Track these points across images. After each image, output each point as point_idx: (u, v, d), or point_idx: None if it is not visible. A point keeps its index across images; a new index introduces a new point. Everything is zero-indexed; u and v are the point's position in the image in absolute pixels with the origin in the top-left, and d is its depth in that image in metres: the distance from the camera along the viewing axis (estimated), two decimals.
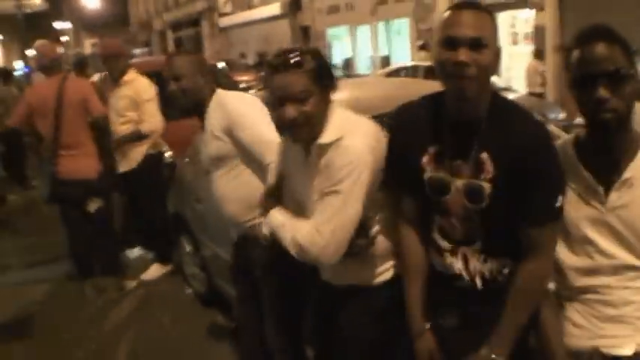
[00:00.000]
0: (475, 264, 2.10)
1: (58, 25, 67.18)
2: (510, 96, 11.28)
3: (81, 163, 5.29)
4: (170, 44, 41.98)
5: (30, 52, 71.30)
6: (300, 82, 2.14)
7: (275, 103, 2.22)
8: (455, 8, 1.96)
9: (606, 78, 1.83)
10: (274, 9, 26.97)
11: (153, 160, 5.74)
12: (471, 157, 1.99)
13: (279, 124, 2.34)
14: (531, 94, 13.02)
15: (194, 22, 37.00)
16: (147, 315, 5.18)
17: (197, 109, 3.07)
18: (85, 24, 56.50)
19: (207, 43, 34.06)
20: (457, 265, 2.13)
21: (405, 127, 2.17)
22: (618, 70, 1.83)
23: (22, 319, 5.30)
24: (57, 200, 5.42)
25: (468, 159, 2.00)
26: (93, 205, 5.29)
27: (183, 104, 3.07)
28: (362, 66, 23.24)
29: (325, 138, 2.19)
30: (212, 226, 3.73)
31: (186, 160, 5.05)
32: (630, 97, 1.87)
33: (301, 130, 2.20)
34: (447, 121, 2.04)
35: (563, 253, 2.03)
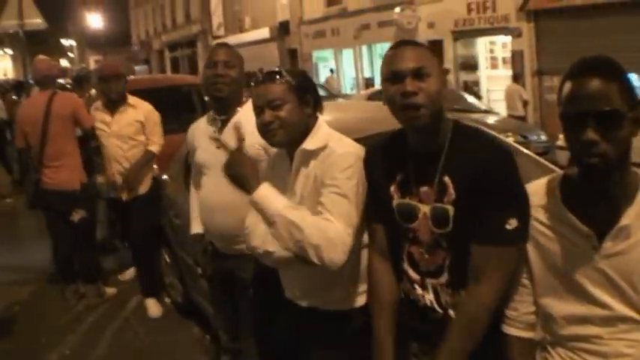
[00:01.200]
0: (446, 297, 2.01)
1: (64, 42, 67.65)
2: (492, 118, 11.54)
3: (65, 174, 5.26)
4: (167, 63, 42.34)
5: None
6: (276, 91, 2.25)
7: (256, 110, 2.31)
8: (394, 47, 2.00)
9: (597, 118, 1.56)
10: (264, 32, 26.98)
11: (157, 183, 5.28)
12: (435, 182, 1.95)
13: (259, 129, 2.34)
14: (511, 116, 12.76)
15: (190, 43, 37.27)
16: (124, 322, 5.11)
17: (227, 103, 3.01)
18: (89, 42, 56.58)
19: (201, 62, 33.83)
20: (428, 297, 2.04)
21: (375, 159, 2.17)
22: (612, 111, 1.55)
23: (0, 320, 5.34)
24: (39, 207, 5.49)
25: (432, 184, 1.96)
26: (76, 216, 5.27)
27: (223, 94, 2.97)
28: (346, 87, 23.23)
29: (309, 145, 2.26)
30: (189, 241, 3.52)
31: (166, 177, 5.19)
32: (626, 141, 1.60)
33: (276, 133, 2.26)
34: (410, 151, 2.03)
35: (550, 299, 1.80)
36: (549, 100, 14.54)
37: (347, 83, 23.46)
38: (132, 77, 9.84)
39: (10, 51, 47.47)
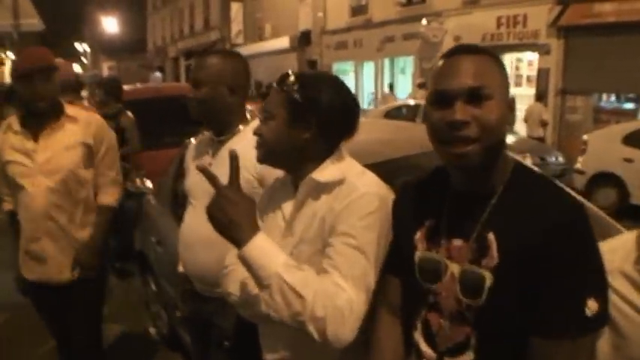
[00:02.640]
0: None
1: (78, 46, 68.20)
2: (509, 138, 11.29)
3: None
4: (182, 71, 42.38)
5: None
6: (271, 100, 1.88)
7: None
8: (448, 55, 1.54)
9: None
10: (284, 42, 26.99)
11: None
12: (474, 236, 1.52)
13: None
14: (531, 137, 12.64)
15: (206, 51, 37.13)
16: (106, 351, 4.61)
17: (217, 123, 2.61)
18: (104, 47, 56.98)
19: None
20: None
21: (405, 200, 1.76)
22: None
23: None
24: None
25: (469, 239, 1.53)
26: None
27: (197, 117, 2.60)
28: (365, 101, 23.11)
29: (320, 175, 1.82)
30: (172, 272, 3.16)
31: (150, 197, 4.82)
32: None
33: (258, 149, 1.91)
34: (450, 193, 1.61)
35: None
36: (570, 120, 14.58)
37: (366, 98, 23.31)
38: (137, 86, 9.75)
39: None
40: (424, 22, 18.15)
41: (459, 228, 1.55)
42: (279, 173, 2.02)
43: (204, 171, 1.81)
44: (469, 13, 17.01)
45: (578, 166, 9.62)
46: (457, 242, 1.55)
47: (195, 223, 2.55)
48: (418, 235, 1.64)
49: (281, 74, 1.87)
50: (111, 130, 3.43)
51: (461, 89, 1.45)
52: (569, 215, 1.42)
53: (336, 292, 1.65)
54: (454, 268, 1.54)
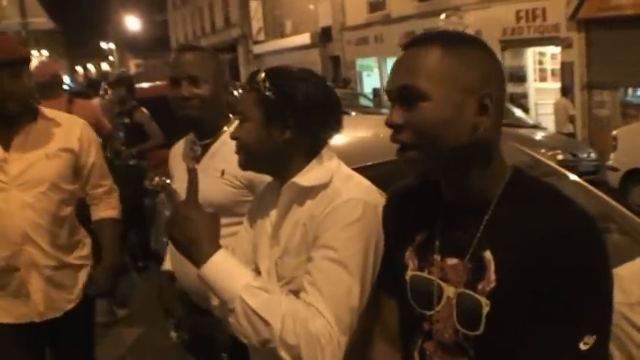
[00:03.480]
0: None
1: (103, 45, 68.83)
2: (540, 134, 11.31)
3: None
4: None
5: (79, 69, 73.74)
6: (245, 100, 1.73)
7: None
8: (402, 48, 1.37)
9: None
10: (305, 38, 26.88)
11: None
12: (470, 255, 1.32)
13: None
14: (560, 132, 12.48)
15: (230, 48, 37.32)
16: (125, 355, 4.72)
17: (206, 125, 2.42)
18: (129, 46, 57.49)
19: (242, 68, 34.16)
20: None
21: (393, 212, 1.56)
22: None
23: None
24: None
25: (464, 257, 1.33)
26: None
27: (195, 118, 2.38)
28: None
29: (303, 179, 1.66)
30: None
31: (163, 196, 4.44)
32: None
33: (238, 155, 1.77)
34: (442, 204, 1.41)
35: None
36: (598, 115, 14.29)
37: None
38: (157, 83, 9.60)
39: (45, 52, 48.30)
40: (443, 16, 17.96)
41: (453, 244, 1.35)
42: (268, 178, 1.89)
43: (191, 173, 1.68)
44: (488, 7, 16.76)
45: (610, 162, 9.36)
46: (451, 261, 1.35)
47: None
48: (409, 251, 1.45)
49: (250, 72, 1.76)
50: (91, 129, 2.94)
51: (392, 90, 1.33)
52: (573, 226, 1.22)
53: (309, 316, 1.47)
54: (450, 292, 1.34)
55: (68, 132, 2.73)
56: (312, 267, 1.55)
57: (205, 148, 2.42)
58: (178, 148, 2.62)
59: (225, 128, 2.42)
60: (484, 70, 1.30)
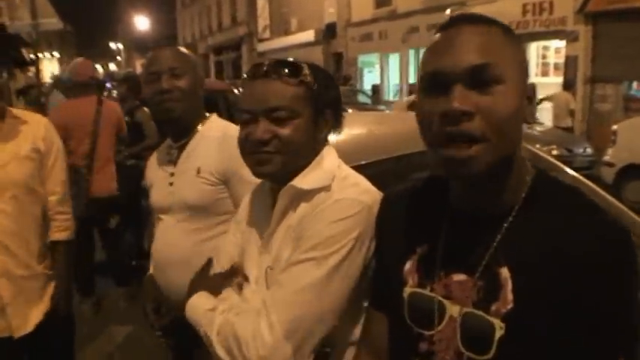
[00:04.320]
0: None
1: (112, 45, 69.41)
2: (536, 128, 11.05)
3: (109, 180, 5.14)
4: (212, 67, 42.85)
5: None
6: (285, 94, 1.48)
7: (243, 119, 1.53)
8: (445, 26, 1.15)
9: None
10: (309, 35, 26.92)
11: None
12: (480, 270, 1.15)
13: (243, 149, 1.55)
14: (558, 127, 12.16)
15: (235, 46, 37.58)
16: (113, 352, 4.62)
17: (183, 124, 2.31)
18: (137, 45, 57.83)
19: (245, 67, 34.24)
20: None
21: (389, 220, 1.39)
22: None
23: None
24: (88, 218, 4.85)
25: (474, 273, 1.16)
26: (113, 221, 5.22)
27: (176, 114, 2.26)
28: (389, 93, 22.91)
29: (303, 181, 1.49)
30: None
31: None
32: None
33: (269, 160, 1.49)
34: (449, 211, 1.24)
35: None
36: (599, 109, 14.10)
37: (391, 90, 23.08)
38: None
39: (57, 54, 48.67)
40: (448, 12, 17.73)
41: (461, 258, 1.19)
42: (246, 174, 1.67)
43: None
44: (494, 1, 16.55)
45: (607, 158, 9.09)
46: (458, 277, 1.19)
47: (165, 241, 2.29)
48: (408, 265, 1.28)
49: (281, 61, 1.54)
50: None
51: (460, 68, 1.08)
52: (609, 244, 1.06)
53: (237, 320, 1.40)
54: (454, 311, 1.18)
55: (35, 131, 2.56)
56: (286, 264, 1.42)
57: (181, 150, 2.32)
58: (153, 160, 2.51)
59: (199, 127, 2.32)
60: (527, 60, 1.18)
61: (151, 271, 2.46)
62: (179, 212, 2.24)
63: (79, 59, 5.53)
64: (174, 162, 2.32)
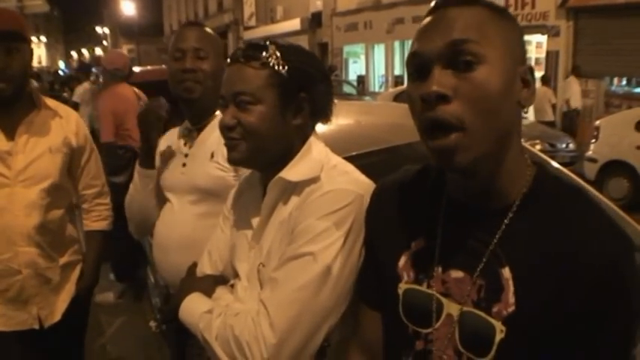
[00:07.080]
0: None
1: (99, 29, 68.59)
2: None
3: None
4: None
5: (74, 54, 73.64)
6: (251, 79, 1.42)
7: (220, 103, 1.50)
8: (433, 9, 1.08)
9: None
10: (295, 24, 26.77)
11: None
12: (480, 269, 1.09)
13: (220, 131, 1.52)
14: (540, 122, 12.16)
15: (221, 34, 37.14)
16: (105, 343, 4.59)
17: (202, 107, 2.24)
18: (123, 30, 57.13)
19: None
20: None
21: (384, 207, 1.31)
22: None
23: None
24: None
25: (474, 272, 1.10)
26: None
27: (195, 95, 2.20)
28: (375, 84, 22.84)
29: (291, 173, 1.44)
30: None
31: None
32: None
33: (235, 146, 1.46)
34: (446, 203, 1.18)
35: None
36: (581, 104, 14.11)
37: (376, 81, 23.01)
38: (148, 68, 9.48)
39: (44, 38, 48.10)
40: (433, 4, 17.70)
41: (460, 255, 1.12)
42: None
43: None
44: None
45: (589, 153, 9.04)
46: (456, 274, 1.12)
47: (171, 221, 2.24)
48: (402, 260, 1.21)
49: (250, 44, 1.48)
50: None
51: (437, 47, 1.02)
52: (616, 255, 1.00)
53: (236, 321, 1.35)
54: (452, 309, 1.12)
55: (67, 125, 2.50)
56: (280, 260, 1.37)
57: (197, 133, 2.28)
58: (172, 135, 2.41)
59: (217, 112, 2.20)
60: (522, 42, 1.11)
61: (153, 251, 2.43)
62: (189, 194, 2.21)
63: (113, 50, 5.77)
64: (190, 144, 2.29)
